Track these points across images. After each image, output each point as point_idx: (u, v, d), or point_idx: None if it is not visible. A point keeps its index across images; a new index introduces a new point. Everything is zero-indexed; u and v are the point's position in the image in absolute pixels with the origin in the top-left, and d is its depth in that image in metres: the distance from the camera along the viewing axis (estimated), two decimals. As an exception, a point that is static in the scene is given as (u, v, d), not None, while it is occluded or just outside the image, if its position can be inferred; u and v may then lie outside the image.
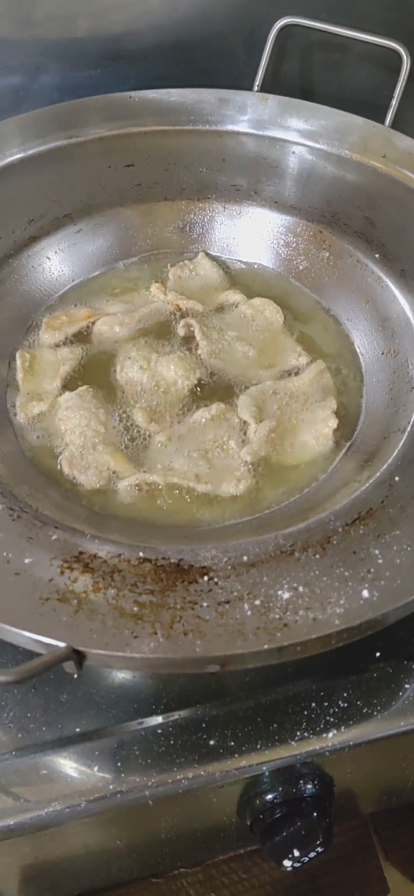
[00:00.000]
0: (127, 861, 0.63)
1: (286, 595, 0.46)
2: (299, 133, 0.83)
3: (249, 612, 0.45)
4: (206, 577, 0.48)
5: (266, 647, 0.42)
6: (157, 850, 0.63)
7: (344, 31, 0.85)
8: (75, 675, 0.41)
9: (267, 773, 0.54)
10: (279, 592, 0.46)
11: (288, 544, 0.50)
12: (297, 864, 0.58)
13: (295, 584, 0.47)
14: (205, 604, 0.46)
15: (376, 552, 0.49)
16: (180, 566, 0.49)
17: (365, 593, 0.46)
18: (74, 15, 0.85)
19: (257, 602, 0.46)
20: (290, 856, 0.57)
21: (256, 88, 0.87)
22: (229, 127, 0.84)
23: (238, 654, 0.42)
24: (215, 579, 0.48)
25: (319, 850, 0.57)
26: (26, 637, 0.42)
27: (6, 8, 0.84)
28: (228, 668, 0.43)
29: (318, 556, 0.49)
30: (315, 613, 0.45)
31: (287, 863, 0.57)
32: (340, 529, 0.51)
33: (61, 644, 0.41)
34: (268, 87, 0.87)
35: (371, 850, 0.73)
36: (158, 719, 0.54)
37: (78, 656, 0.41)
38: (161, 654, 0.42)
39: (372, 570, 0.47)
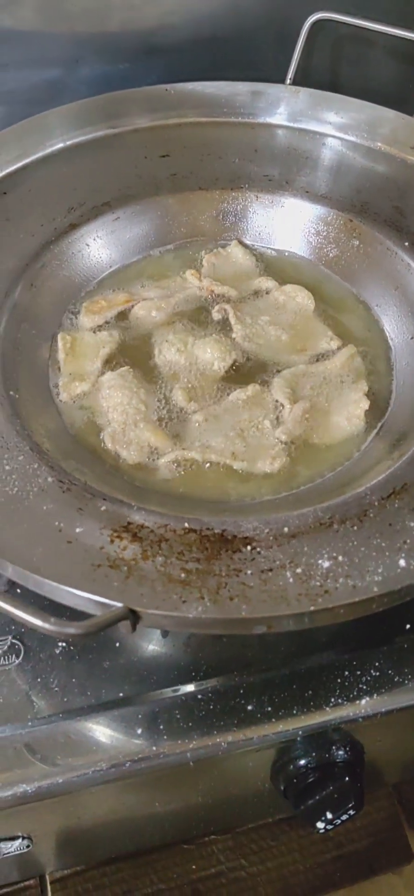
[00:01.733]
0: (161, 826, 0.66)
1: (326, 564, 0.48)
2: (330, 125, 0.85)
3: (291, 580, 0.47)
4: (249, 547, 0.50)
5: (312, 608, 0.44)
6: (190, 815, 0.65)
7: (374, 25, 0.86)
8: (132, 633, 0.44)
9: (300, 739, 0.57)
10: (319, 561, 0.49)
11: (327, 517, 0.52)
12: (330, 827, 0.60)
13: (334, 554, 0.49)
14: (249, 571, 0.48)
15: (412, 524, 0.51)
16: (224, 536, 0.51)
17: (402, 562, 0.48)
18: (109, 9, 0.88)
19: (299, 570, 0.48)
20: (323, 818, 0.59)
21: (288, 81, 0.89)
22: (262, 119, 0.86)
23: (285, 616, 0.44)
24: (258, 549, 0.50)
25: (352, 812, 0.59)
26: (84, 598, 0.45)
27: (43, 2, 0.86)
28: (273, 630, 0.45)
29: (355, 528, 0.51)
30: (354, 581, 0.47)
31: (320, 825, 0.60)
32: (376, 503, 0.53)
33: (117, 604, 0.44)
34: (299, 80, 0.89)
35: (396, 819, 0.75)
36: (198, 685, 0.57)
37: (134, 616, 0.44)
38: (213, 615, 0.44)
39: (408, 541, 0.50)
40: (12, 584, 0.54)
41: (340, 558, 0.49)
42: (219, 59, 0.92)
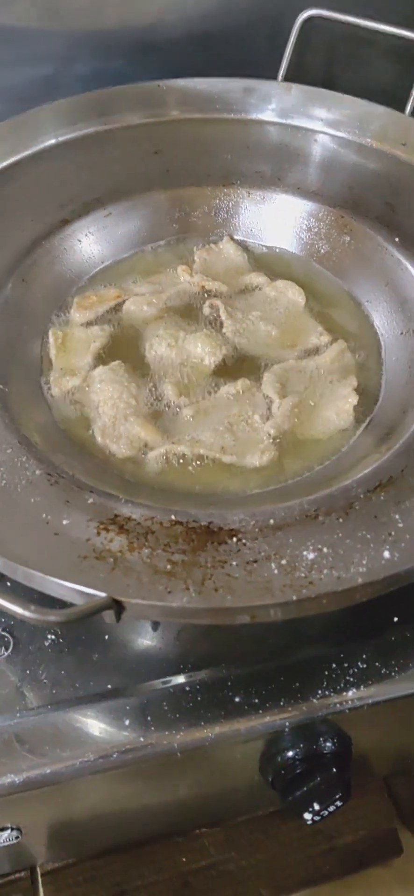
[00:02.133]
0: (152, 820, 0.66)
1: (311, 555, 0.49)
2: (322, 122, 0.85)
3: (276, 571, 0.48)
4: (234, 539, 0.50)
5: (294, 598, 0.45)
6: (181, 808, 0.65)
7: (366, 22, 0.87)
8: (117, 623, 0.44)
9: (288, 730, 0.57)
10: (304, 553, 0.49)
11: (312, 509, 0.52)
12: (317, 818, 0.60)
13: (319, 546, 0.49)
14: (234, 563, 0.48)
15: (397, 517, 0.51)
16: (210, 528, 0.51)
17: (386, 554, 0.48)
18: (104, 6, 0.88)
19: (284, 562, 0.48)
20: (310, 809, 0.60)
21: (280, 78, 0.90)
22: (254, 115, 0.86)
23: (268, 605, 0.45)
24: (244, 541, 0.50)
25: (339, 803, 0.59)
26: (69, 588, 0.45)
27: (36, -2, 0.87)
28: (257, 620, 0.45)
29: (341, 520, 0.51)
30: (339, 572, 0.47)
31: (308, 816, 0.60)
32: (362, 496, 0.53)
33: (102, 594, 0.44)
34: (291, 77, 0.90)
35: (386, 812, 0.75)
36: (186, 677, 0.57)
37: (117, 606, 0.44)
38: (196, 604, 0.44)
39: (393, 533, 0.50)
40: (1, 577, 0.55)
41: (325, 550, 0.49)
42: (212, 56, 0.93)
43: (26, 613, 0.41)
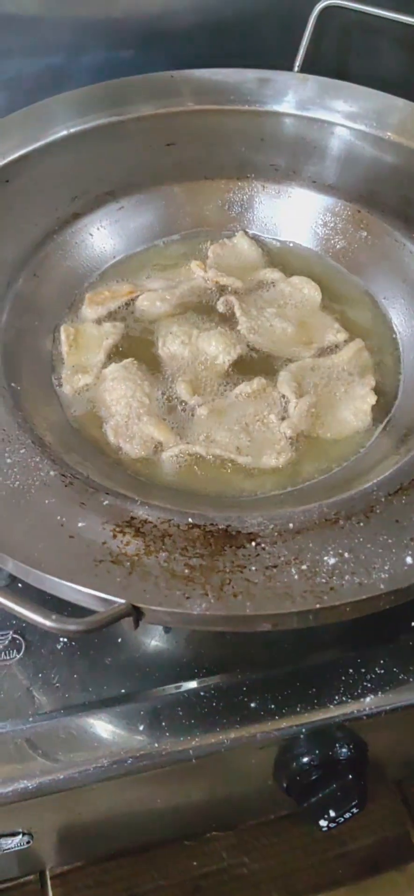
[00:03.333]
0: (163, 823, 0.65)
1: (332, 560, 0.48)
2: (339, 114, 0.84)
3: (296, 576, 0.47)
4: (253, 543, 0.49)
5: (317, 606, 0.43)
6: (193, 812, 0.65)
7: (384, 12, 0.85)
8: (135, 630, 0.43)
9: (304, 737, 0.56)
10: (325, 558, 0.48)
11: (332, 513, 0.51)
12: (332, 825, 0.59)
13: (340, 551, 0.48)
14: (253, 567, 0.47)
15: (419, 521, 0.50)
16: (228, 532, 0.50)
17: (409, 560, 0.47)
18: (114, -7, 0.87)
19: (304, 567, 0.47)
20: (325, 816, 0.59)
21: (296, 69, 0.88)
22: (269, 107, 0.85)
23: (290, 614, 0.44)
24: (262, 545, 0.49)
25: (355, 810, 0.58)
26: (86, 594, 0.44)
27: (46, -14, 0.85)
28: (278, 628, 0.44)
29: (361, 524, 0.50)
30: (360, 578, 0.46)
31: (323, 823, 0.59)
32: (383, 499, 0.52)
33: (120, 601, 0.43)
34: (307, 68, 0.88)
35: (400, 816, 0.74)
36: (201, 682, 0.56)
37: (137, 613, 0.43)
38: (216, 611, 0.43)
39: (415, 538, 0.49)
40: (13, 579, 0.54)
41: (346, 555, 0.48)
42: (225, 45, 0.91)
43: (47, 623, 0.40)
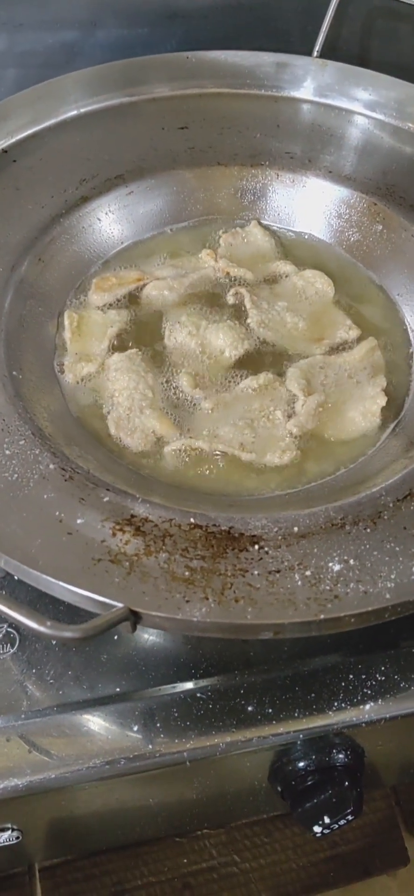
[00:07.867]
0: (154, 820, 0.64)
1: (337, 567, 0.46)
2: (358, 102, 0.81)
3: (299, 583, 0.45)
4: (256, 546, 0.48)
5: (322, 616, 0.42)
6: (184, 810, 0.64)
7: (409, -2, 0.82)
8: (131, 633, 0.42)
9: (301, 742, 0.55)
10: (330, 564, 0.47)
11: (338, 517, 0.50)
12: (327, 831, 0.59)
13: (345, 557, 0.47)
14: (255, 572, 0.46)
15: (428, 530, 0.49)
16: (231, 534, 0.49)
17: (416, 570, 0.46)
18: (131, -31, 0.84)
19: (308, 573, 0.46)
20: (320, 822, 0.58)
21: (315, 54, 0.85)
22: (286, 92, 0.82)
23: (292, 623, 0.43)
24: (266, 548, 0.48)
25: (350, 818, 0.58)
26: (81, 595, 0.43)
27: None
28: (280, 637, 0.43)
29: (368, 530, 0.49)
30: (366, 587, 0.45)
31: (317, 829, 0.58)
32: (391, 505, 0.51)
33: (117, 604, 0.42)
34: (326, 54, 0.85)
35: (393, 821, 0.74)
36: (198, 683, 0.55)
37: (135, 617, 0.42)
38: (216, 618, 0.42)
39: (423, 547, 0.47)
40: (9, 574, 0.52)
41: (352, 562, 0.47)
42: (243, 26, 0.88)
43: (42, 629, 0.39)
